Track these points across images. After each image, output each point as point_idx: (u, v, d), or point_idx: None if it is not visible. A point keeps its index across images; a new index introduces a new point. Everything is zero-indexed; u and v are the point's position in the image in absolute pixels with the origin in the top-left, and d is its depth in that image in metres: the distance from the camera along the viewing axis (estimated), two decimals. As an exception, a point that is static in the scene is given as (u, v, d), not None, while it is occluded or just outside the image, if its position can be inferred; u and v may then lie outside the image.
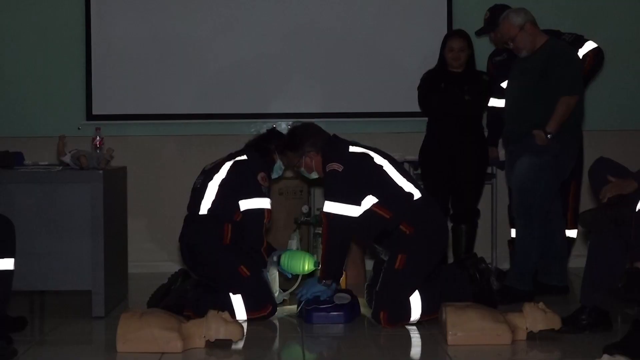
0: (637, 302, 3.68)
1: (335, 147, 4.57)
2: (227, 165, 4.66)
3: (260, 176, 4.63)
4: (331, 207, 4.39)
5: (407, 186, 4.46)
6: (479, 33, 5.70)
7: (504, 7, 5.33)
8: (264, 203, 4.62)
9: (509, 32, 4.90)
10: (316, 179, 4.74)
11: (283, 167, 4.86)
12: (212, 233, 4.57)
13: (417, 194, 4.46)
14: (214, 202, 4.60)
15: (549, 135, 4.76)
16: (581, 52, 5.32)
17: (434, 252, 4.46)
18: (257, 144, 4.82)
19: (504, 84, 5.32)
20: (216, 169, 4.68)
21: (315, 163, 4.59)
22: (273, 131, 4.99)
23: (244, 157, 4.70)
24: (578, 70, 4.93)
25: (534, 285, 4.94)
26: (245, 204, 4.60)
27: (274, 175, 4.87)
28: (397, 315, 4.34)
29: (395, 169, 4.49)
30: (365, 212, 4.41)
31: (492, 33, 5.58)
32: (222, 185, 4.61)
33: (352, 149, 4.54)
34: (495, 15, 5.35)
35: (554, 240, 5.02)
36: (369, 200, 4.41)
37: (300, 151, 4.60)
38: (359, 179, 4.42)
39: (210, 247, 4.56)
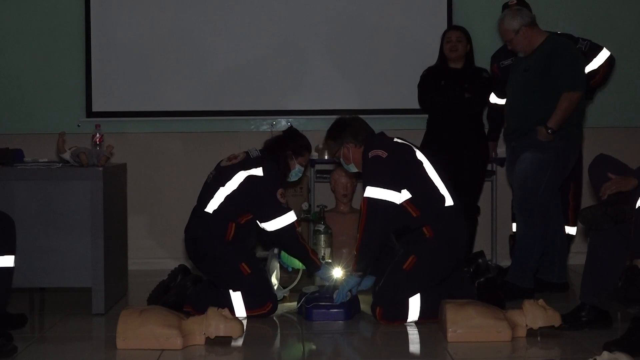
0: (637, 301, 3.68)
1: (379, 137, 4.57)
2: (241, 177, 4.55)
3: (279, 194, 4.54)
4: (373, 192, 4.33)
5: (442, 189, 4.43)
6: (505, 7, 5.43)
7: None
8: (290, 217, 4.56)
9: (505, 35, 4.93)
10: (354, 172, 4.72)
11: (302, 169, 4.81)
12: (216, 229, 4.56)
13: (449, 201, 4.43)
14: (221, 205, 4.56)
15: (549, 131, 4.75)
16: (597, 62, 5.33)
17: (445, 264, 4.43)
18: (274, 152, 4.68)
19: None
20: (229, 174, 4.57)
21: (353, 155, 4.56)
22: (289, 133, 4.83)
23: (260, 171, 4.57)
24: (580, 65, 4.92)
25: (533, 283, 4.94)
26: (272, 225, 4.54)
27: (293, 179, 4.82)
28: (393, 313, 4.34)
29: (435, 169, 4.46)
30: (398, 205, 4.39)
31: None
32: (232, 195, 4.55)
33: (397, 139, 4.56)
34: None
35: (554, 237, 5.02)
36: (404, 195, 4.39)
37: (339, 140, 4.58)
38: (400, 168, 4.39)
39: (213, 243, 4.56)
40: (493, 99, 5.54)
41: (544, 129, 4.76)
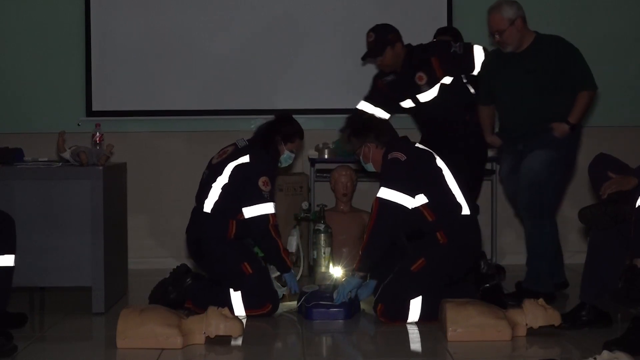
0: (638, 301, 3.68)
1: (401, 140, 4.59)
2: (230, 168, 4.58)
3: (261, 181, 4.55)
4: (386, 193, 4.36)
5: (460, 197, 4.43)
6: (363, 58, 5.44)
7: (387, 28, 5.19)
8: (267, 208, 4.56)
9: (498, 24, 4.77)
10: (370, 172, 4.71)
11: (293, 155, 4.79)
12: (217, 228, 4.56)
13: (465, 210, 4.43)
14: (216, 203, 4.57)
15: (569, 127, 4.70)
16: (479, 62, 5.16)
17: (453, 271, 4.44)
18: (264, 137, 4.70)
19: (405, 103, 5.27)
20: (220, 169, 4.60)
21: (373, 155, 4.56)
22: (281, 118, 4.80)
23: (247, 158, 4.59)
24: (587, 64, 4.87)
25: (553, 286, 4.85)
26: (248, 212, 4.55)
27: (283, 165, 4.81)
28: (393, 312, 4.35)
29: (454, 177, 4.46)
30: (413, 208, 4.40)
31: (378, 57, 5.24)
32: (225, 189, 4.57)
33: (418, 145, 4.58)
34: (381, 39, 5.15)
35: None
36: (420, 199, 4.39)
37: (362, 139, 4.59)
38: (417, 173, 4.41)
39: (215, 242, 4.56)
40: (365, 106, 5.38)
41: (565, 125, 4.70)
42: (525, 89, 4.81)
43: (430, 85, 5.17)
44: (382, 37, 5.16)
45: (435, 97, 5.18)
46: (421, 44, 5.26)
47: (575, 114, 4.72)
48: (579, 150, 5.01)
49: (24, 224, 4.43)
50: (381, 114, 5.30)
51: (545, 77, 4.75)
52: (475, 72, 5.18)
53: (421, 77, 5.17)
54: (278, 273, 4.71)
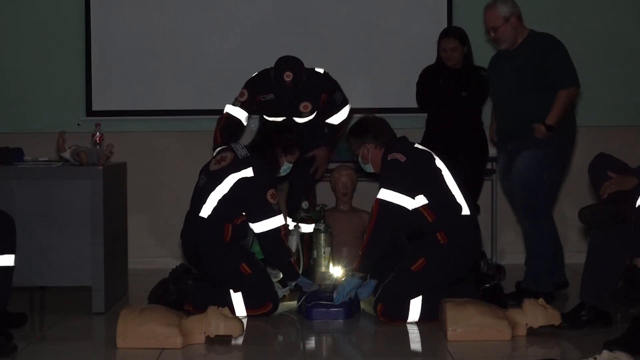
0: (639, 301, 3.68)
1: (400, 141, 4.59)
2: (232, 180, 4.55)
3: (269, 194, 4.54)
4: (387, 194, 4.36)
5: (459, 198, 4.42)
6: (283, 97, 5.33)
7: (301, 68, 5.23)
8: (278, 221, 4.57)
9: (493, 21, 4.78)
10: (370, 173, 4.71)
11: (291, 165, 4.80)
12: (213, 231, 4.56)
13: (465, 210, 4.43)
14: (215, 209, 4.57)
15: (547, 128, 4.71)
16: (342, 115, 5.43)
17: (454, 271, 4.44)
18: (264, 148, 4.69)
19: (276, 119, 5.30)
20: (220, 177, 4.57)
21: (372, 156, 4.56)
22: (279, 129, 4.83)
23: (250, 172, 4.56)
24: (571, 60, 4.81)
25: (552, 286, 4.85)
26: (259, 227, 4.56)
27: (282, 174, 4.82)
28: (393, 312, 4.35)
29: (453, 178, 4.46)
30: (413, 209, 4.40)
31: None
32: (224, 199, 4.55)
33: (417, 145, 4.57)
34: (298, 80, 5.20)
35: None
36: (420, 200, 4.39)
37: (360, 140, 4.58)
38: (417, 174, 4.41)
39: (212, 245, 4.56)
40: (237, 111, 5.39)
41: (542, 126, 4.72)
42: (511, 87, 4.81)
43: (311, 113, 5.35)
44: (299, 78, 5.24)
45: (310, 119, 5.37)
46: (307, 70, 5.31)
47: (552, 114, 4.69)
48: (574, 148, 4.99)
49: (24, 224, 4.43)
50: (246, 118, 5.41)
51: (527, 75, 4.74)
52: (336, 122, 5.41)
53: (307, 106, 5.33)
54: (279, 277, 4.71)
